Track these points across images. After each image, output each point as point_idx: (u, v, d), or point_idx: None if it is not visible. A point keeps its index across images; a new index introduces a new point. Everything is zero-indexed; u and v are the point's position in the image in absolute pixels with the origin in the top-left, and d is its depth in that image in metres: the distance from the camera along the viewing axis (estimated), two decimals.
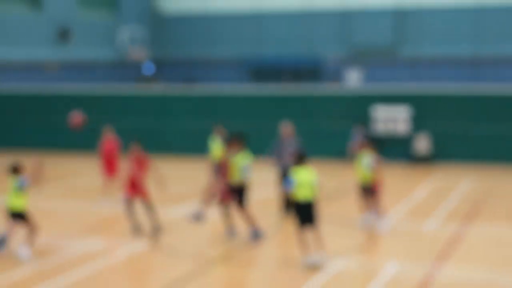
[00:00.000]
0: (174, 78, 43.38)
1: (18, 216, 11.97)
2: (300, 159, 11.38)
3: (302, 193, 11.26)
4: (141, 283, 11.01)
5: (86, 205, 16.47)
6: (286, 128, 15.21)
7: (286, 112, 22.85)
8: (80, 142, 24.86)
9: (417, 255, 12.09)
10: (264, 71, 41.35)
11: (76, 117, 11.87)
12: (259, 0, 41.28)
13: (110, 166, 16.44)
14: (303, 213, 11.31)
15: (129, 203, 13.50)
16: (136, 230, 13.53)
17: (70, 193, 18.22)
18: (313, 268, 11.18)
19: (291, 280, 10.82)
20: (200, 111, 24.50)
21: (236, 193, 12.90)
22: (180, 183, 19.24)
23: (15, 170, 12.04)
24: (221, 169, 13.39)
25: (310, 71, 40.24)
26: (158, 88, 30.23)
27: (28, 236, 12.03)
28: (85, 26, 38.41)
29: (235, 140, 12.94)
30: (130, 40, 39.73)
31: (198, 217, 14.31)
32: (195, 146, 23.95)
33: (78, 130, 11.58)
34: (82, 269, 11.44)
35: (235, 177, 12.79)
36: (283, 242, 13.54)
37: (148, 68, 43.38)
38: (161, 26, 43.94)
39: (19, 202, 11.92)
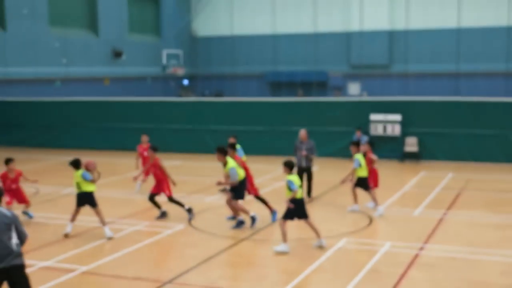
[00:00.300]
0: (205, 91, 43.62)
1: (88, 196, 12.16)
2: (291, 168, 11.25)
3: (299, 193, 11.23)
4: (181, 254, 11.11)
5: (137, 194, 16.62)
6: (303, 133, 15.42)
7: (298, 118, 22.91)
8: (131, 143, 25.03)
9: (408, 236, 12.10)
10: (280, 84, 41.41)
11: (91, 164, 12.33)
12: (276, 24, 41.30)
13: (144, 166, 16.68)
14: (299, 209, 11.24)
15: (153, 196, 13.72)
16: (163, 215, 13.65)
17: (123, 184, 18.35)
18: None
19: (305, 256, 10.89)
20: (227, 117, 24.56)
21: (233, 189, 12.85)
22: (213, 175, 19.33)
23: (76, 165, 12.26)
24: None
25: (318, 83, 40.25)
26: (192, 98, 30.40)
27: (101, 217, 12.23)
28: (134, 47, 38.68)
29: (219, 152, 12.96)
30: (171, 58, 39.93)
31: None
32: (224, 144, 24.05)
33: (90, 169, 12.08)
34: (133, 244, 11.59)
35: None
36: (302, 226, 13.59)
37: (185, 82, 43.61)
38: (195, 46, 44.12)
39: (88, 187, 12.17)
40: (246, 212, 12.90)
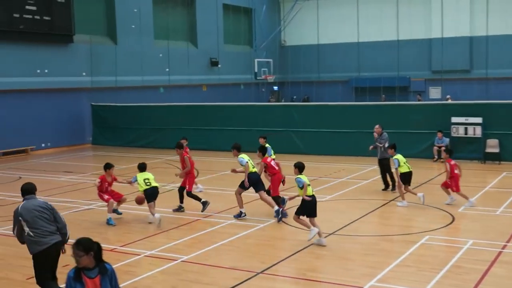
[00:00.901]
0: (293, 96, 43.57)
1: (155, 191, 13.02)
2: (300, 169, 11.24)
3: (310, 191, 11.12)
4: (272, 246, 11.06)
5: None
6: (377, 129, 16.15)
7: (382, 121, 22.26)
8: (226, 144, 25.34)
9: (490, 234, 11.54)
10: (364, 89, 40.76)
11: (140, 199, 13.01)
12: (360, 33, 40.68)
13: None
14: (312, 206, 11.16)
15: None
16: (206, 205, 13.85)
17: (218, 181, 18.54)
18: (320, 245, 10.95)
19: (389, 251, 10.61)
20: (314, 120, 24.40)
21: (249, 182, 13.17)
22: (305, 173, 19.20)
23: (140, 168, 13.24)
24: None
25: (400, 88, 39.32)
26: (282, 103, 30.44)
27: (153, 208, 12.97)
28: (229, 56, 39.16)
29: (234, 148, 13.65)
30: (262, 66, 40.13)
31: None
32: (311, 146, 23.96)
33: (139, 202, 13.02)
34: (228, 236, 11.66)
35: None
36: (380, 223, 13.28)
37: (275, 88, 43.75)
38: (284, 55, 44.16)
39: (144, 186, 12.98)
40: (271, 205, 13.05)
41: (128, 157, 19.24)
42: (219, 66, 37.92)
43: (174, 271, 9.77)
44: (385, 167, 15.90)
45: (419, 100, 35.32)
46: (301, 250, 10.74)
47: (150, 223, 12.95)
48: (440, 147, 21.41)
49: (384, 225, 12.85)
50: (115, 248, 11.00)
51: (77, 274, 5.48)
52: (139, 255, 10.58)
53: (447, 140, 21.57)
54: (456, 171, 14.13)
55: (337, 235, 11.78)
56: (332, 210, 14.13)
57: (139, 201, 12.97)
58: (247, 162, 13.28)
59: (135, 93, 31.67)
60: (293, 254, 10.49)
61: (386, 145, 15.63)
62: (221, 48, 38.47)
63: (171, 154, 24.16)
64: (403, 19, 39.51)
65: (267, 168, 13.49)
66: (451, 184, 14.13)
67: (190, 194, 14.04)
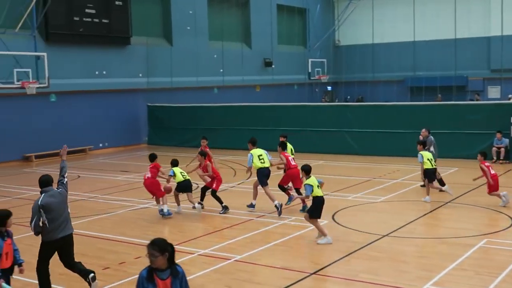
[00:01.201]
0: (347, 96, 43.17)
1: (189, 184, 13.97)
2: (308, 171, 11.43)
3: (319, 192, 11.24)
4: (325, 247, 10.96)
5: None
6: (423, 132, 16.73)
7: (438, 121, 21.94)
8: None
9: None
10: (419, 88, 40.00)
11: (167, 189, 13.77)
12: (415, 32, 39.95)
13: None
14: (321, 205, 11.31)
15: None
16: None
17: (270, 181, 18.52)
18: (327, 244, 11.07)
19: (446, 254, 10.36)
20: (368, 120, 24.11)
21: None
22: (354, 174, 19.04)
23: (173, 164, 14.09)
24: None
25: (457, 88, 38.40)
26: (336, 103, 30.24)
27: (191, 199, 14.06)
28: (283, 57, 39.15)
29: (250, 142, 14.50)
30: (316, 66, 39.94)
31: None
32: (365, 146, 23.69)
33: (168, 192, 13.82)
34: (281, 236, 11.63)
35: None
36: (441, 222, 12.99)
37: (328, 88, 43.49)
38: (338, 55, 43.82)
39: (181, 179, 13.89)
40: (272, 198, 13.67)
41: (183, 157, 19.46)
42: (273, 66, 37.94)
43: (227, 271, 9.82)
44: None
45: (477, 100, 34.40)
46: (354, 251, 10.61)
47: (193, 207, 14.04)
48: (499, 148, 20.79)
49: (440, 227, 12.56)
50: None
51: (150, 275, 5.45)
52: (193, 253, 10.67)
53: (506, 141, 20.93)
54: (493, 172, 14.05)
55: (392, 237, 11.59)
56: (386, 212, 13.91)
57: (167, 191, 13.81)
58: (250, 165, 14.06)
59: (190, 94, 32.04)
60: (346, 256, 10.38)
61: (431, 148, 15.93)
62: (275, 49, 38.48)
63: (225, 154, 24.36)
64: (461, 17, 38.55)
65: (286, 163, 14.34)
66: (494, 185, 13.98)
67: (215, 195, 14.17)
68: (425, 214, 13.40)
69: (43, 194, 8.56)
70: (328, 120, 25.05)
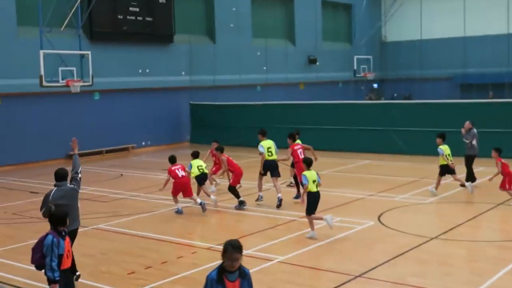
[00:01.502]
0: (394, 93, 42.63)
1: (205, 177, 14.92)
2: (309, 165, 11.65)
3: (314, 188, 11.44)
4: (371, 249, 10.84)
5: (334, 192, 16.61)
6: (467, 125, 16.62)
7: (489, 119, 21.40)
8: (323, 143, 25.25)
9: None
10: (470, 86, 39.19)
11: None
12: (466, 27, 39.15)
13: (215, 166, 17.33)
14: (315, 201, 11.56)
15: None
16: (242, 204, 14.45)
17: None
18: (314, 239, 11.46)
19: (498, 258, 10.09)
20: (415, 118, 23.73)
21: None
22: (401, 174, 18.78)
23: (194, 155, 15.08)
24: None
25: (510, 85, 37.43)
26: (382, 101, 29.91)
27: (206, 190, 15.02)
28: (327, 54, 38.92)
29: (260, 133, 15.22)
30: (361, 63, 39.56)
31: None
32: (412, 145, 23.33)
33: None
34: (325, 238, 11.54)
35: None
36: (493, 224, 12.67)
37: (374, 85, 43.04)
38: (384, 51, 43.32)
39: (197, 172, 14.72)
40: (259, 189, 14.71)
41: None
42: (317, 63, 37.75)
43: (270, 272, 9.79)
44: (469, 163, 16.40)
45: None
46: (401, 254, 10.44)
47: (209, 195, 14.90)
48: None
49: (491, 230, 12.25)
50: (211, 247, 11.19)
51: (219, 277, 5.43)
52: None
53: None
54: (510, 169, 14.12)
55: (441, 239, 11.37)
56: (435, 213, 13.67)
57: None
58: (263, 151, 14.68)
59: (233, 92, 32.15)
60: (392, 258, 10.23)
61: (474, 142, 16.18)
62: (319, 46, 38.28)
63: None
64: None
65: (293, 156, 14.98)
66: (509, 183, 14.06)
67: (231, 189, 14.64)
68: (475, 217, 13.10)
69: (55, 188, 8.90)
70: (374, 118, 24.76)
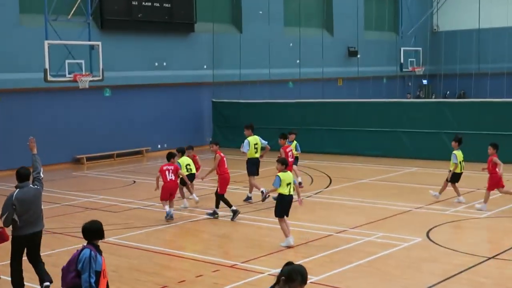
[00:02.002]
0: (446, 91, 42.26)
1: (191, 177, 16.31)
2: (284, 165, 12.31)
3: (287, 190, 12.15)
4: (418, 269, 10.76)
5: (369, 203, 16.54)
6: None
7: None
8: (364, 147, 25.11)
9: None
10: None
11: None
12: None
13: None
14: (287, 205, 12.28)
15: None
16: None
17: (355, 190, 18.38)
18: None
19: None
20: (472, 119, 23.51)
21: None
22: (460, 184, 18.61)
23: (181, 151, 16.23)
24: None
25: None
26: (433, 99, 29.68)
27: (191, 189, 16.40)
28: (370, 45, 38.75)
29: (249, 128, 17.53)
30: (409, 56, 39.30)
31: None
32: (467, 150, 23.09)
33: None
34: (366, 255, 11.51)
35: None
36: None
37: (424, 81, 42.73)
38: (436, 43, 42.92)
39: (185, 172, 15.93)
40: (257, 188, 15.99)
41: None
42: (358, 56, 37.61)
43: None
44: None
45: None
46: (453, 275, 10.36)
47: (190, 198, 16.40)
48: None
49: None
50: (235, 264, 11.23)
51: None
52: (263, 273, 10.70)
53: None
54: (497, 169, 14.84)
55: (499, 260, 11.25)
56: (492, 229, 13.53)
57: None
58: (246, 150, 16.70)
59: (261, 88, 32.20)
60: (443, 280, 10.15)
61: None
62: (361, 36, 38.11)
63: (302, 158, 24.28)
64: None
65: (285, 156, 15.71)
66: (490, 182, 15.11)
67: (221, 197, 14.97)
68: None
69: (17, 190, 9.50)
70: (423, 119, 24.60)
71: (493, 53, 40.44)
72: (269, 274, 10.65)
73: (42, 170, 9.91)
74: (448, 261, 11.18)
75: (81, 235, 7.23)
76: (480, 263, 11.03)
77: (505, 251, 11.74)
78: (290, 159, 16.03)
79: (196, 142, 29.96)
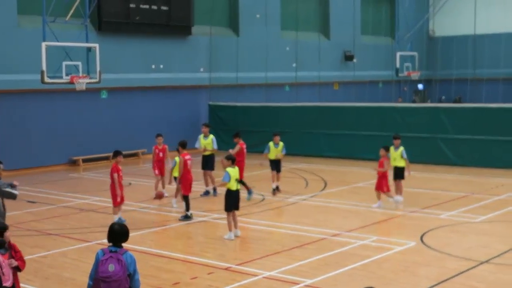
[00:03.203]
0: (442, 96, 42.36)
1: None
2: (232, 162, 13.18)
3: (234, 185, 13.00)
4: (413, 274, 10.79)
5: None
6: None
7: None
8: (361, 151, 25.14)
9: None
10: None
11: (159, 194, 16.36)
12: None
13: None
14: (234, 199, 13.10)
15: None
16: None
17: (352, 194, 18.41)
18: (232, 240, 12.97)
19: None
20: (467, 124, 23.55)
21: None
22: (449, 189, 18.65)
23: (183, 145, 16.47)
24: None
25: None
26: (429, 104, 29.72)
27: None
28: (366, 50, 38.82)
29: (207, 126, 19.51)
30: (405, 61, 39.37)
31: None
32: (463, 156, 23.17)
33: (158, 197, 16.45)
34: (360, 259, 11.53)
35: None
36: None
37: (419, 86, 42.81)
38: (432, 48, 43.08)
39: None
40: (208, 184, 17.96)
41: (247, 165, 19.51)
42: (355, 60, 37.67)
43: None
44: None
45: None
46: (447, 279, 10.39)
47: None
48: None
49: None
50: (230, 267, 11.24)
51: None
52: (257, 275, 10.72)
53: None
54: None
55: (494, 264, 11.28)
56: (487, 234, 13.55)
57: (159, 197, 16.29)
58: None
59: (258, 92, 32.23)
60: (437, 284, 10.18)
61: None
62: (358, 40, 38.18)
63: (297, 162, 24.36)
64: None
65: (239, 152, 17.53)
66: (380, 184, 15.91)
67: (185, 198, 15.30)
68: None
69: None
70: (418, 124, 24.63)
71: (489, 59, 40.59)
72: (263, 277, 10.67)
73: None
74: (442, 265, 11.21)
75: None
76: (474, 267, 11.06)
77: (499, 255, 11.77)
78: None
79: (192, 145, 30.04)
